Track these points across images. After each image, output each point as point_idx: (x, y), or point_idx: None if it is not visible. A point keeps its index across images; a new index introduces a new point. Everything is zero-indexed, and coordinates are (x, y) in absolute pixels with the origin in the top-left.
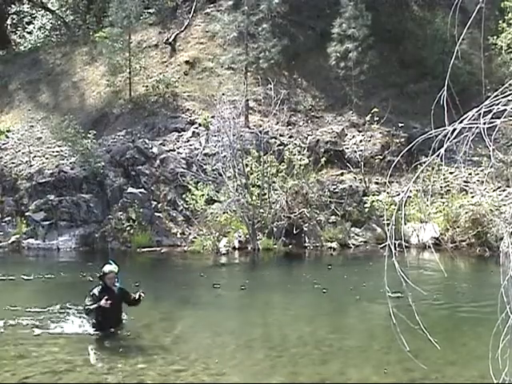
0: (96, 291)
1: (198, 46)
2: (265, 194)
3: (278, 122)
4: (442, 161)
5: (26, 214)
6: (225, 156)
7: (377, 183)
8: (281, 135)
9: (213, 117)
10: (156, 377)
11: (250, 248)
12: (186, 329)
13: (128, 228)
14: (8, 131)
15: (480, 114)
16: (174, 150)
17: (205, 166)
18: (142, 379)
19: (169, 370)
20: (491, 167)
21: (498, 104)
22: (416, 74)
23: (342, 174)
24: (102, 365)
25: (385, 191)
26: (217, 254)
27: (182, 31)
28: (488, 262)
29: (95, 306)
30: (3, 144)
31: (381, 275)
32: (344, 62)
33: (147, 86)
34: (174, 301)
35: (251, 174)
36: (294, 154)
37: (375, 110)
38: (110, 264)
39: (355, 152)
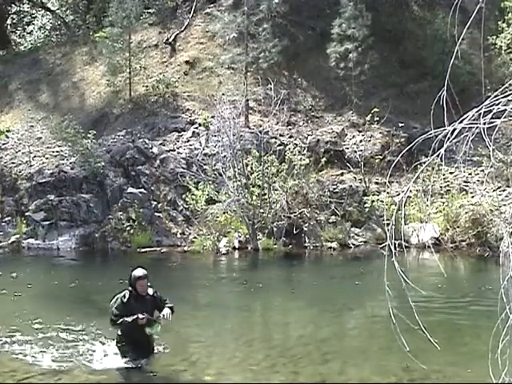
0: (123, 298)
1: (198, 45)
2: (265, 193)
3: (277, 122)
4: (442, 161)
5: (26, 214)
6: (225, 156)
7: (377, 183)
8: (281, 135)
9: (213, 117)
10: (156, 376)
11: (249, 248)
12: (185, 328)
13: (128, 228)
14: (8, 131)
15: (480, 113)
16: (174, 150)
17: (205, 166)
18: (142, 379)
19: (169, 370)
20: (491, 167)
21: (498, 104)
22: (416, 74)
23: (342, 174)
24: (102, 365)
25: (385, 191)
26: (217, 254)
27: (182, 31)
28: (488, 262)
29: (130, 319)
30: (3, 144)
31: (380, 275)
32: (344, 62)
33: (147, 86)
34: (174, 301)
35: (251, 173)
36: (295, 154)
37: (375, 110)
38: (141, 268)
39: (355, 152)
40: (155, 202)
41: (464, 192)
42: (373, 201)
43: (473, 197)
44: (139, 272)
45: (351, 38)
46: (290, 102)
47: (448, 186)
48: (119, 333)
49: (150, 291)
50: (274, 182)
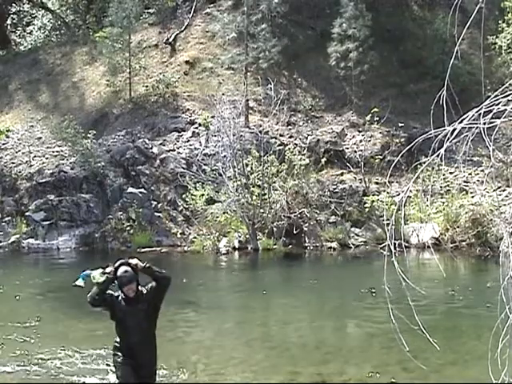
0: (116, 295)
1: (197, 45)
2: (265, 194)
3: (277, 122)
4: (441, 161)
5: (26, 214)
6: (225, 156)
7: (377, 183)
8: (281, 135)
9: (213, 117)
10: (156, 377)
11: (249, 248)
12: (186, 329)
13: (128, 228)
14: (8, 131)
15: (480, 114)
16: (174, 150)
17: (205, 166)
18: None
19: (169, 371)
20: (491, 167)
21: (498, 104)
22: (416, 74)
23: (342, 174)
24: (102, 365)
25: (385, 191)
26: (217, 254)
27: (182, 31)
28: (488, 262)
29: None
30: (3, 144)
31: (380, 275)
32: (344, 62)
33: (147, 86)
34: (174, 301)
35: (251, 173)
36: (295, 154)
37: (375, 110)
38: (125, 267)
39: (355, 152)
40: (155, 202)
41: (464, 192)
42: (373, 201)
43: (473, 197)
44: (121, 270)
45: (352, 38)
46: (289, 102)
47: (448, 186)
48: (116, 339)
49: (144, 290)
50: (274, 182)
